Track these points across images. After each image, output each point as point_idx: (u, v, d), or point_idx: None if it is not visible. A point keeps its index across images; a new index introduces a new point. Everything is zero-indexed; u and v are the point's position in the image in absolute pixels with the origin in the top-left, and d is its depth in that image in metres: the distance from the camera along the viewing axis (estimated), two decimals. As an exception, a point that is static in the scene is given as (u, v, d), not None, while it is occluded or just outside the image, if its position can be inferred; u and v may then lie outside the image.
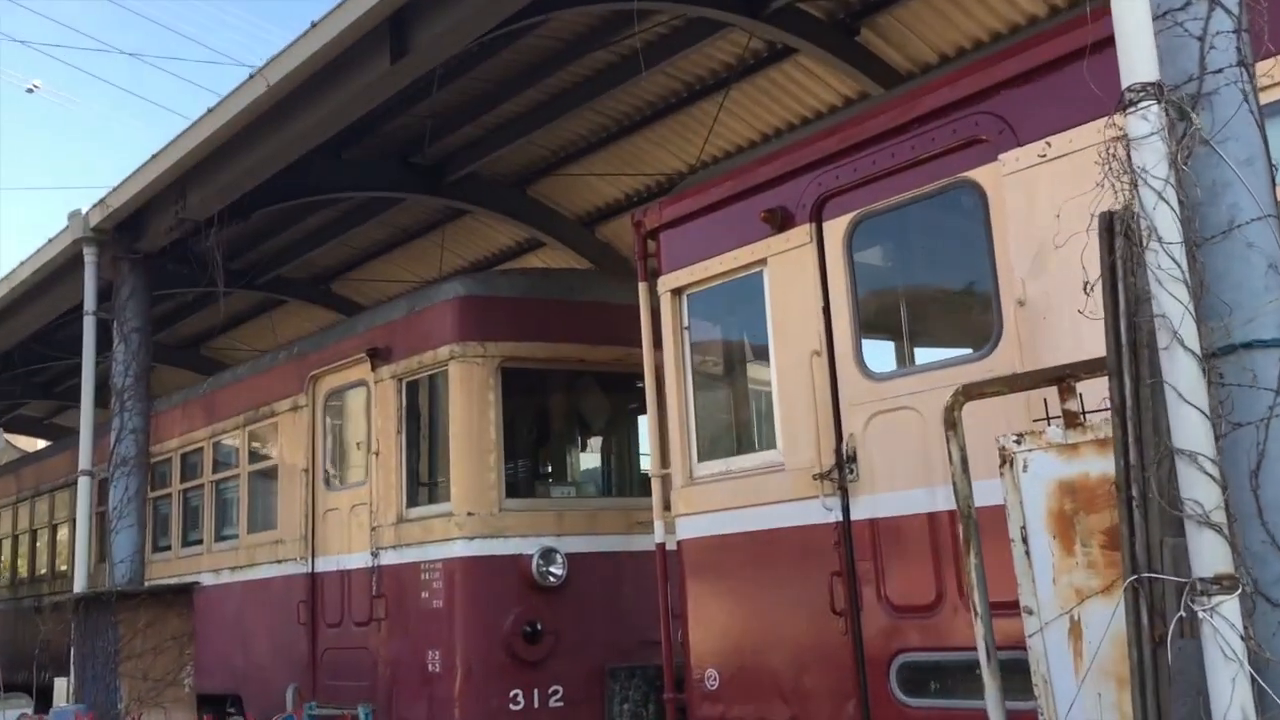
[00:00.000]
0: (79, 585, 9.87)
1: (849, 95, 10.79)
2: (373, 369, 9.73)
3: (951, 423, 4.14)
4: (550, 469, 9.87)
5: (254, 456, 11.65)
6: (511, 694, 8.48)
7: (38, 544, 17.59)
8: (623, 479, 9.83)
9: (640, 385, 9.57)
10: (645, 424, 9.45)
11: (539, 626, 8.53)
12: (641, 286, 7.32)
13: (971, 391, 4.14)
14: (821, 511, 6.02)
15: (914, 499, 5.64)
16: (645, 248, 7.30)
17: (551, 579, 8.65)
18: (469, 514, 8.70)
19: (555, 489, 9.34)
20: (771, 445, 6.42)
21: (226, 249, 13.81)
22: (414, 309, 9.49)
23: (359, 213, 14.61)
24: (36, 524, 17.43)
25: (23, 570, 18.36)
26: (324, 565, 10.23)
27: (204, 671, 10.41)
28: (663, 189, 13.15)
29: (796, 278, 6.27)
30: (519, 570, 8.65)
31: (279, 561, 10.83)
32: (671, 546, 7.08)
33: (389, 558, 9.36)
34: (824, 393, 6.06)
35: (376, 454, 9.59)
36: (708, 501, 6.70)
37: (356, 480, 9.97)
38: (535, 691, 8.53)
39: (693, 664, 6.71)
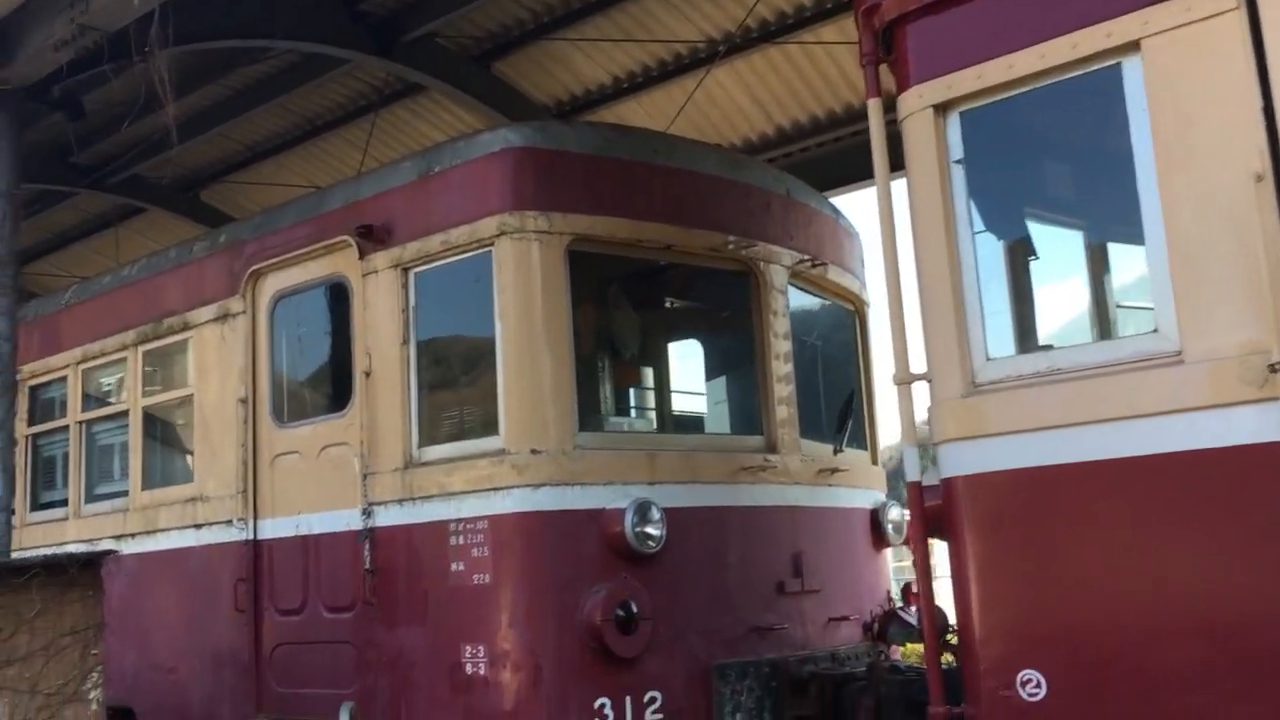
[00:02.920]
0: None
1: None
2: (361, 257, 6.97)
3: None
4: (633, 395, 7.34)
5: (151, 386, 8.62)
6: (597, 704, 6.00)
7: None
8: (722, 410, 7.43)
9: (740, 288, 7.29)
10: (756, 334, 7.06)
11: (634, 609, 6.07)
12: (872, 105, 4.97)
13: None
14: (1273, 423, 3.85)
15: None
16: (878, 49, 4.96)
17: (650, 544, 6.19)
18: (533, 452, 6.13)
19: (640, 422, 6.86)
20: (1151, 326, 4.19)
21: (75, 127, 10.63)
22: (432, 170, 6.78)
23: (257, 90, 11.57)
24: None
25: None
26: (274, 530, 7.41)
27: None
28: (666, 70, 10.74)
29: (1205, 62, 4.06)
30: (603, 531, 6.16)
31: (197, 526, 7.92)
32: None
33: (390, 516, 6.67)
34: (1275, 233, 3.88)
35: (368, 374, 6.86)
36: (1013, 417, 4.42)
37: (330, 412, 7.21)
38: (628, 700, 6.07)
39: (987, 663, 4.44)
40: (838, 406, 7.87)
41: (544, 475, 6.11)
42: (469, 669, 6.17)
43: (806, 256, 7.44)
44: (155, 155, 12.56)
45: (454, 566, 6.31)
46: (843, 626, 7.20)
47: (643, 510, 6.16)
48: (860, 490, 7.72)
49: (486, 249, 6.41)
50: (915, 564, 4.71)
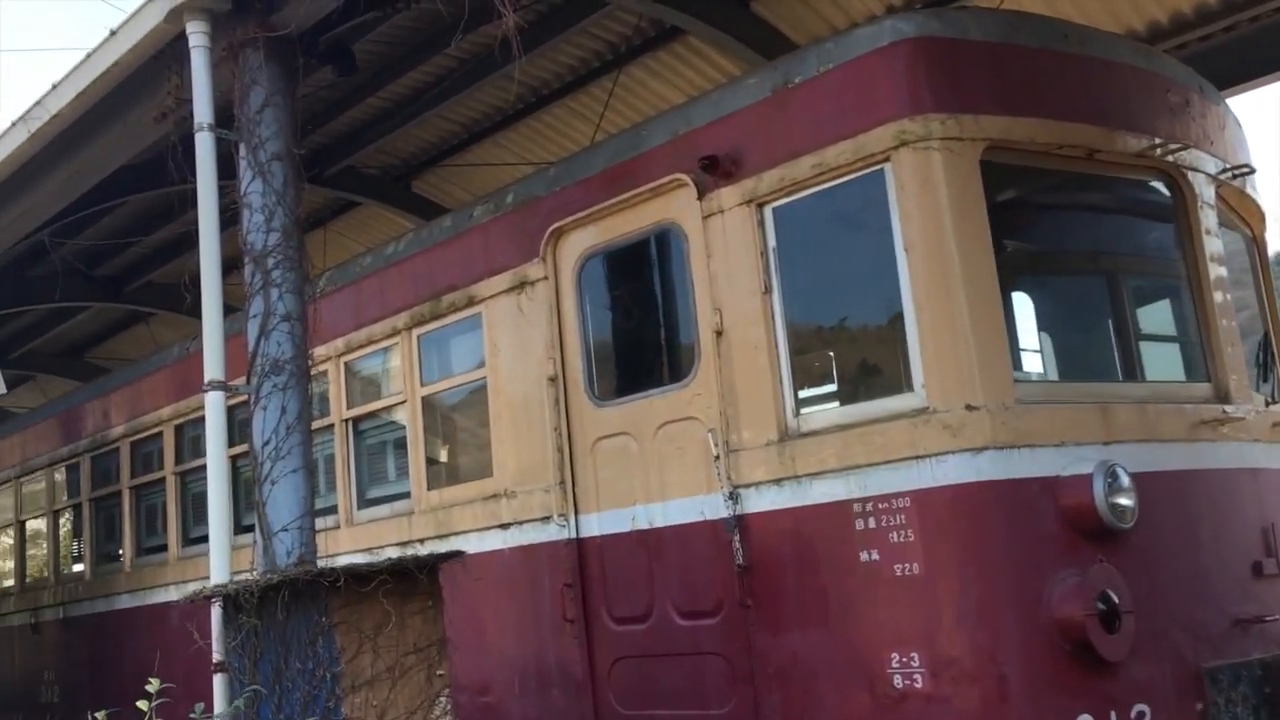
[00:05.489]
0: (218, 571, 5.81)
1: None
2: (700, 196, 5.88)
3: None
4: (1057, 335, 6.09)
5: (431, 372, 7.69)
6: (1078, 721, 4.75)
7: (34, 538, 13.37)
8: (1167, 353, 6.13)
9: (1157, 203, 5.98)
10: (1188, 259, 5.73)
11: (1114, 600, 4.80)
12: None
13: None
14: None
15: None
16: None
17: (1125, 518, 4.92)
18: (968, 408, 4.92)
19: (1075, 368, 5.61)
20: None
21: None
22: (791, 81, 5.63)
23: (485, 60, 10.65)
24: (27, 511, 13.15)
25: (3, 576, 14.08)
26: (601, 525, 6.36)
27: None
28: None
29: None
30: (1060, 504, 4.91)
31: (504, 526, 6.92)
32: None
33: (766, 500, 5.54)
34: None
35: (719, 334, 5.75)
36: None
37: (665, 383, 6.13)
38: (1113, 715, 4.81)
39: None
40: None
41: (984, 437, 4.89)
42: (899, 681, 4.98)
43: (1228, 165, 6.09)
44: (370, 144, 11.82)
45: (864, 556, 5.14)
46: (1314, 617, 5.81)
47: (1112, 475, 4.89)
48: (1303, 448, 6.32)
49: (878, 166, 5.23)
50: None
